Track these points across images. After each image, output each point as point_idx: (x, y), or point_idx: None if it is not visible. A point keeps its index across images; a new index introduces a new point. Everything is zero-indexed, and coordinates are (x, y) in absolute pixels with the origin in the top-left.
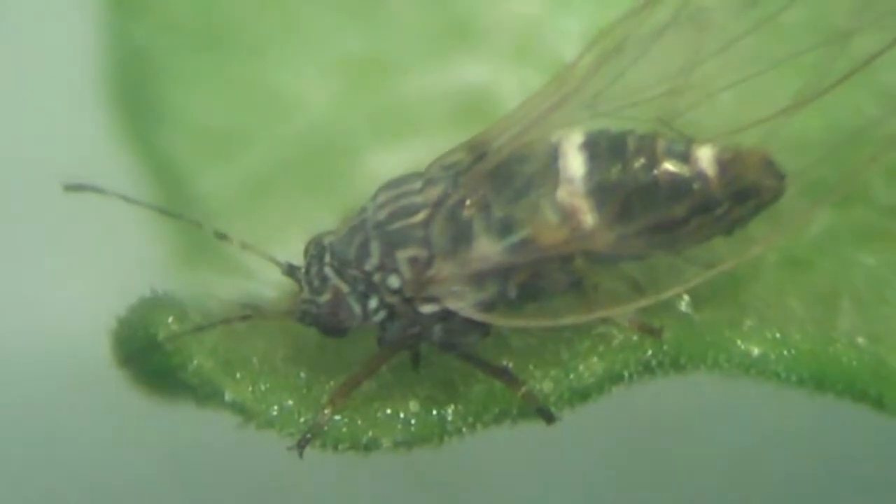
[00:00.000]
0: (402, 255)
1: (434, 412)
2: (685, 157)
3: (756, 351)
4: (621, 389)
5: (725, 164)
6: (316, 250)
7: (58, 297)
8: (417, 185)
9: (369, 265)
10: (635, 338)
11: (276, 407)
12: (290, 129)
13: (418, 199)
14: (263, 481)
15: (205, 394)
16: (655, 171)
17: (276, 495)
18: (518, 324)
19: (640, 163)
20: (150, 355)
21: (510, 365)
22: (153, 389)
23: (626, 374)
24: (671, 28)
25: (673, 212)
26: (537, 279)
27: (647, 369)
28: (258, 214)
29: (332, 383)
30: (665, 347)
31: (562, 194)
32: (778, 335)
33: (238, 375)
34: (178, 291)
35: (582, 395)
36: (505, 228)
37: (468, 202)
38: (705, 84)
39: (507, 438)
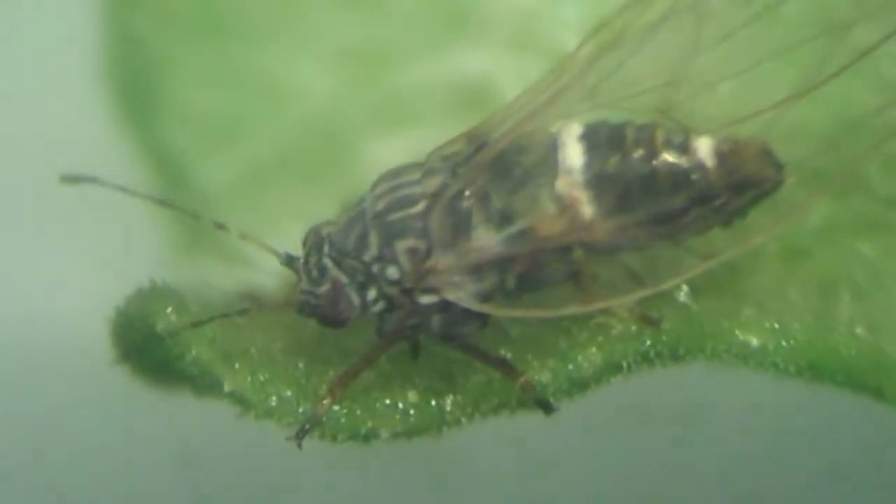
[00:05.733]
0: (401, 245)
1: (433, 402)
2: (684, 148)
3: (755, 341)
4: (620, 380)
5: (724, 154)
6: (315, 241)
7: (57, 289)
8: (416, 175)
9: (368, 256)
10: (634, 328)
11: (274, 397)
12: (289, 119)
13: (417, 190)
14: (263, 472)
15: (204, 384)
16: (654, 162)
17: (276, 485)
18: (517, 314)
19: (638, 154)
20: (149, 346)
21: (509, 355)
22: (152, 380)
23: (624, 364)
24: (670, 19)
25: (672, 203)
26: (536, 270)
27: (646, 360)
28: (257, 204)
29: (330, 374)
30: (664, 338)
31: (560, 185)
32: (777, 325)
33: (237, 366)
34: (176, 282)
35: (580, 385)
36: (504, 219)
37: (467, 193)
38: (704, 75)
39: (505, 428)
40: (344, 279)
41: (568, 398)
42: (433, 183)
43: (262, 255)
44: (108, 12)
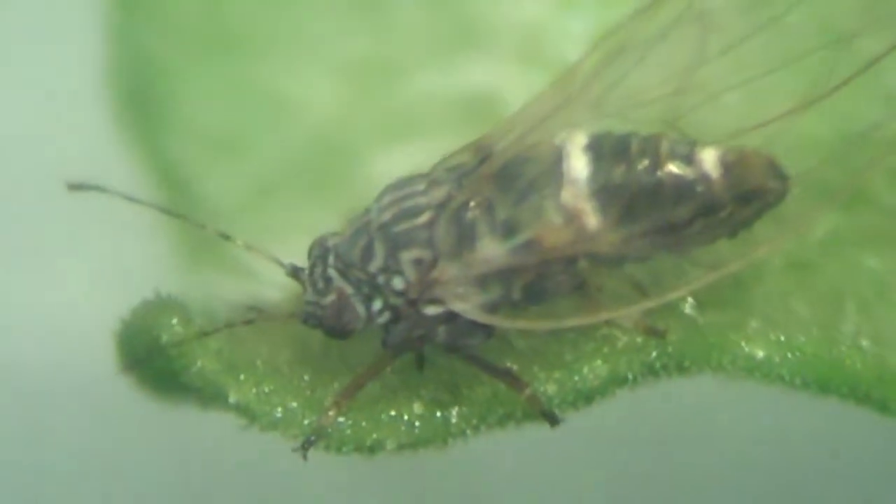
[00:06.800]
0: (407, 256)
1: (438, 414)
2: (689, 159)
3: (760, 353)
4: (625, 391)
5: (729, 165)
6: (320, 252)
7: (62, 300)
8: (421, 186)
9: (373, 267)
10: (639, 340)
11: (279, 409)
12: (295, 131)
13: (422, 201)
14: (267, 483)
15: (209, 396)
16: (659, 173)
17: (281, 497)
18: (522, 326)
19: (644, 164)
20: (154, 358)
21: (514, 367)
22: (157, 392)
23: (630, 376)
24: (675, 29)
25: (677, 214)
26: (541, 281)
27: (652, 372)
28: (263, 216)
29: (336, 385)
30: (669, 350)
31: (566, 196)
32: (782, 338)
33: (242, 377)
34: (182, 293)
35: (586, 397)
36: (509, 230)
37: (472, 204)
38: (709, 85)
39: (510, 440)
40: (349, 290)
41: (574, 410)
42: (438, 194)
43: (268, 266)
44: (115, 25)
